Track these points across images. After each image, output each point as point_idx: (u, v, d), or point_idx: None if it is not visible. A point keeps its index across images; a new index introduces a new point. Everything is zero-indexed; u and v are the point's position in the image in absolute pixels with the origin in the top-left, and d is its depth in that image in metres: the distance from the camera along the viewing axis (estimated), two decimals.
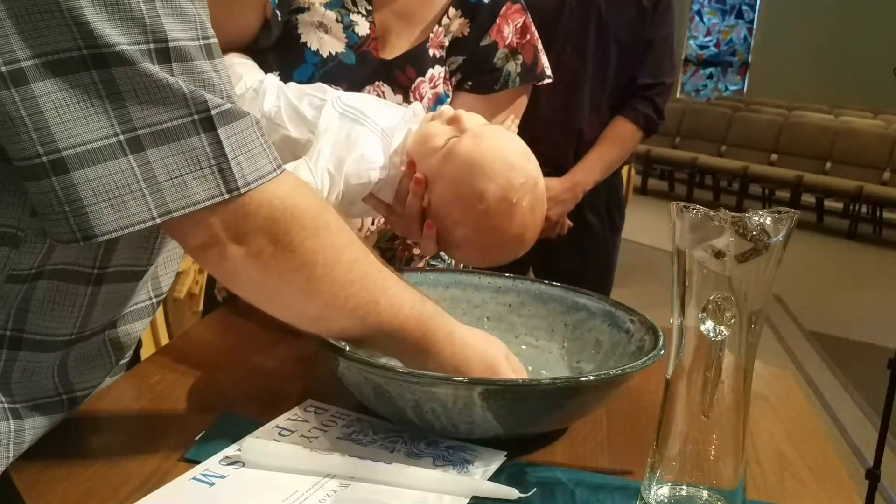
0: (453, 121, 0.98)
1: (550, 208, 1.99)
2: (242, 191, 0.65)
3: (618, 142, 2.12)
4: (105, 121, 0.60)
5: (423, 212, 0.99)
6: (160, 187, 0.62)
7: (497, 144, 0.97)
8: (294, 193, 0.70)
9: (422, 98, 1.18)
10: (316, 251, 0.70)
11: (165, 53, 0.61)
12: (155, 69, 0.60)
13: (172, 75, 0.61)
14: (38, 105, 0.58)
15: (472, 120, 0.99)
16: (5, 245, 0.67)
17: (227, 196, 0.64)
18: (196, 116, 0.63)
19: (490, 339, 0.86)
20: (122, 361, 0.87)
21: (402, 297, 0.78)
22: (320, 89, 1.05)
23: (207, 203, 0.64)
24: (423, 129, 1.00)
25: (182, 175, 0.63)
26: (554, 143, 2.04)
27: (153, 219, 0.62)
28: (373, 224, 1.19)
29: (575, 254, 2.15)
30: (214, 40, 0.66)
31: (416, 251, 1.24)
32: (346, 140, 0.99)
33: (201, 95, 0.63)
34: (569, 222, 2.11)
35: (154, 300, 0.87)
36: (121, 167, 0.60)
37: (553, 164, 1.97)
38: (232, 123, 0.65)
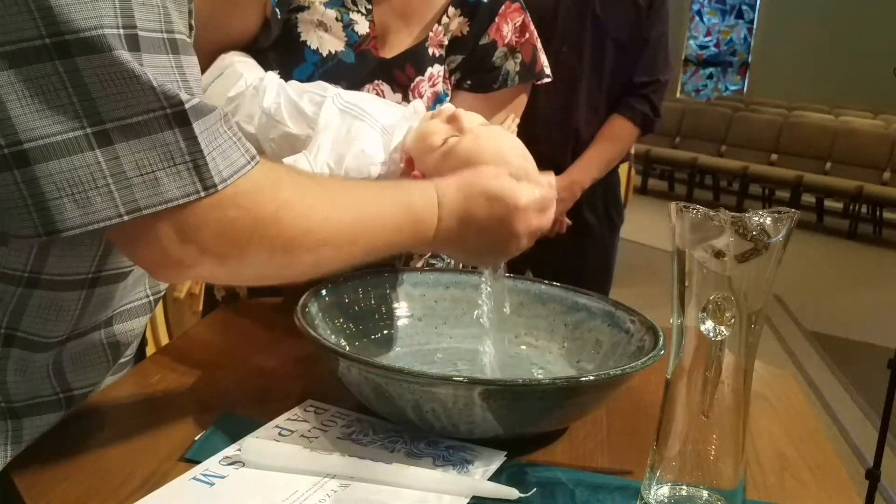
0: (452, 119, 0.98)
1: None
2: (219, 187, 0.63)
3: (615, 140, 2.12)
4: (71, 113, 0.57)
5: None
6: (129, 183, 0.59)
7: (495, 144, 0.97)
8: (253, 185, 0.66)
9: (421, 97, 1.18)
10: (282, 233, 0.68)
11: (134, 40, 0.59)
12: (123, 58, 0.58)
13: (140, 64, 0.59)
14: None
15: (471, 119, 0.99)
16: None
17: (202, 194, 0.62)
18: (169, 110, 0.60)
19: (477, 177, 0.86)
20: (122, 360, 0.87)
21: (382, 217, 0.77)
22: (321, 87, 1.05)
23: (181, 201, 0.61)
24: (422, 128, 1.00)
25: (153, 171, 0.60)
26: (551, 141, 2.04)
27: (120, 216, 0.60)
28: None
29: (573, 253, 2.15)
30: (181, 36, 0.64)
31: None
32: (346, 136, 0.99)
33: (171, 89, 0.60)
34: (567, 220, 2.12)
35: (151, 298, 0.87)
36: (86, 161, 0.58)
37: (551, 163, 1.96)
38: (205, 117, 0.62)
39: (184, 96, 0.61)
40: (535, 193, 0.86)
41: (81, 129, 0.58)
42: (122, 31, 0.58)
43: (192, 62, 0.65)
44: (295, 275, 0.74)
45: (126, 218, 0.60)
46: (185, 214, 0.63)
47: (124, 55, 0.58)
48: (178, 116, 0.61)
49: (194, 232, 0.64)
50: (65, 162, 0.58)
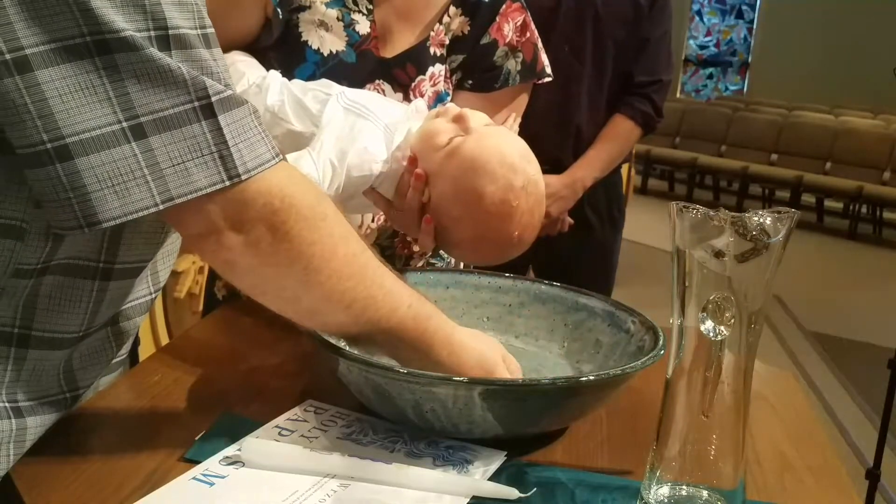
0: (458, 119, 0.99)
1: (550, 205, 2.00)
2: (243, 178, 0.65)
3: (617, 139, 2.12)
4: (108, 108, 0.60)
5: (422, 207, 1.00)
6: (163, 174, 0.62)
7: (498, 145, 0.97)
8: (292, 182, 0.70)
9: (422, 96, 1.19)
10: (314, 242, 0.70)
11: (166, 40, 0.62)
12: (158, 55, 0.61)
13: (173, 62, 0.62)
14: (42, 92, 0.59)
15: (477, 119, 1.00)
16: (10, 238, 0.67)
17: (227, 183, 0.65)
18: (197, 103, 0.63)
19: (488, 342, 0.86)
20: (117, 359, 0.87)
21: (399, 295, 0.78)
22: (325, 84, 1.06)
23: (208, 190, 0.64)
24: (428, 126, 1.01)
25: (184, 162, 0.63)
26: (552, 141, 2.04)
27: (156, 205, 0.63)
28: (373, 221, 1.19)
29: (575, 252, 2.15)
30: (212, 30, 0.66)
31: (416, 248, 1.24)
32: (349, 133, 1.00)
33: (202, 81, 0.63)
34: (569, 220, 2.11)
35: (153, 294, 0.87)
36: (124, 154, 0.61)
37: (552, 163, 1.98)
38: (232, 111, 0.65)
39: (214, 89, 0.64)
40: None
41: (118, 124, 0.61)
42: (153, 33, 0.61)
43: (220, 54, 0.68)
44: (302, 301, 0.74)
45: (161, 207, 0.63)
46: (233, 193, 0.66)
47: (154, 53, 0.61)
48: (205, 109, 0.64)
49: (240, 210, 0.67)
50: (105, 155, 0.61)
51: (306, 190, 0.71)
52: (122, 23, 0.59)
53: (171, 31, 0.62)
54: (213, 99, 0.64)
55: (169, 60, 0.62)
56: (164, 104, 0.62)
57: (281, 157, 0.70)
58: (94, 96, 0.60)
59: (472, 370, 0.81)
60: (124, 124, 0.61)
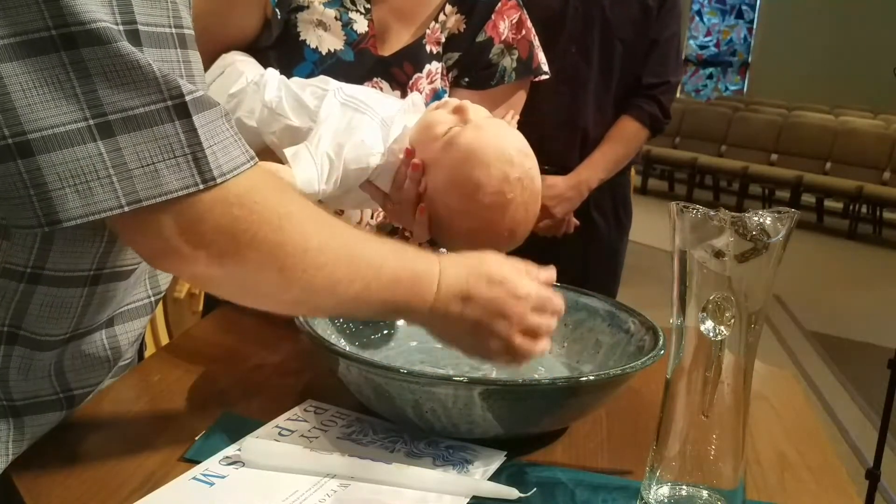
0: (458, 111, 0.99)
1: (555, 206, 2.00)
2: (218, 181, 0.63)
3: (623, 141, 2.12)
4: (74, 104, 0.58)
5: (418, 198, 1.00)
6: (130, 175, 0.60)
7: (497, 137, 0.98)
8: (255, 187, 0.66)
9: (419, 94, 1.19)
10: (283, 243, 0.67)
11: (135, 35, 0.60)
12: (127, 49, 0.59)
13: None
14: (4, 86, 0.57)
15: (477, 111, 1.00)
16: None
17: (201, 186, 0.62)
18: (170, 102, 0.61)
19: (482, 260, 0.82)
20: (122, 363, 0.87)
21: (381, 264, 0.74)
22: (323, 81, 1.07)
23: (180, 193, 0.62)
24: (427, 117, 1.01)
25: (154, 163, 0.60)
26: (559, 142, 2.04)
27: (121, 207, 0.60)
28: (372, 218, 1.19)
29: (581, 254, 2.15)
30: (189, 31, 0.64)
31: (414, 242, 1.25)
32: (346, 127, 1.00)
33: (174, 80, 0.61)
34: (575, 221, 2.11)
35: (152, 299, 0.87)
36: (89, 152, 0.59)
37: (558, 164, 1.98)
38: (205, 112, 0.63)
39: (186, 88, 0.61)
40: (534, 288, 0.82)
41: (84, 121, 0.58)
42: (121, 28, 0.59)
43: (196, 57, 0.66)
44: (285, 297, 0.72)
45: (127, 209, 0.60)
46: (187, 206, 0.63)
47: (123, 47, 0.58)
48: (178, 108, 0.61)
49: (195, 224, 0.64)
50: (68, 153, 0.58)
51: (270, 189, 0.68)
52: (87, 14, 0.57)
53: (140, 27, 0.60)
54: (188, 98, 0.61)
55: (139, 56, 0.59)
56: (134, 102, 0.59)
57: (256, 160, 0.67)
58: (59, 92, 0.58)
59: (463, 341, 0.80)
60: (91, 122, 0.58)
